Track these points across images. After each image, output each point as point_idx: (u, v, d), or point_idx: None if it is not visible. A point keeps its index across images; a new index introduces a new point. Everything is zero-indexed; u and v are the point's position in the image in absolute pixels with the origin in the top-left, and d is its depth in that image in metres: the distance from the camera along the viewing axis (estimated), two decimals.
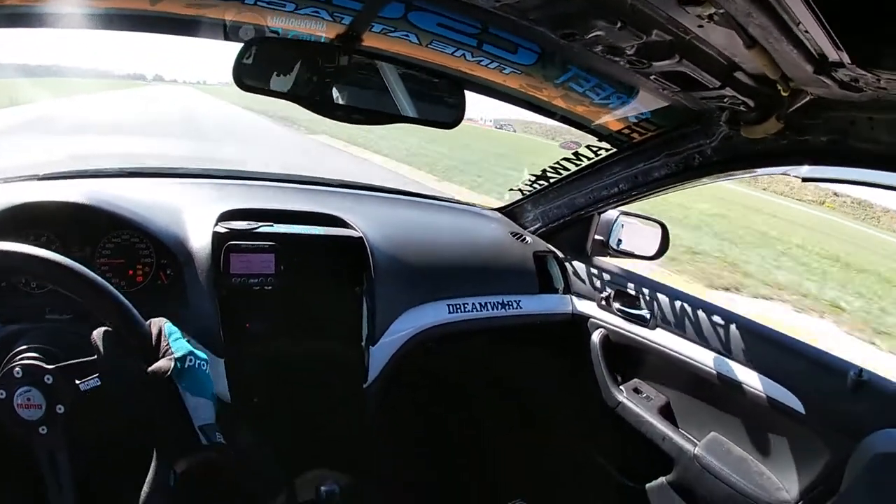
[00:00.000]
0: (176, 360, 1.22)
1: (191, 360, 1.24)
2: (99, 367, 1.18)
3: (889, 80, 1.22)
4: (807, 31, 1.09)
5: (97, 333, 1.20)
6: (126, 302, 1.24)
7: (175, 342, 1.26)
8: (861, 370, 1.75)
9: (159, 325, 1.30)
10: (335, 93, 1.51)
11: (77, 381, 1.16)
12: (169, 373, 1.20)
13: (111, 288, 1.22)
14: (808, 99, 1.56)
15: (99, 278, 1.22)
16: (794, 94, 1.54)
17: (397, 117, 1.59)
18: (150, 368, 1.21)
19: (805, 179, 1.89)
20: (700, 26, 1.22)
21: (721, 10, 1.08)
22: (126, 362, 1.21)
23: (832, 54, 1.18)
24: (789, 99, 1.55)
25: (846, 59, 1.16)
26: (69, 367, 1.18)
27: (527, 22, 1.38)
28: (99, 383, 1.17)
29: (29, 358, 1.20)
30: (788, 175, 1.91)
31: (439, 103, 1.68)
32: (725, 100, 1.67)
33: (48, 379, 1.15)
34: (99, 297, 1.21)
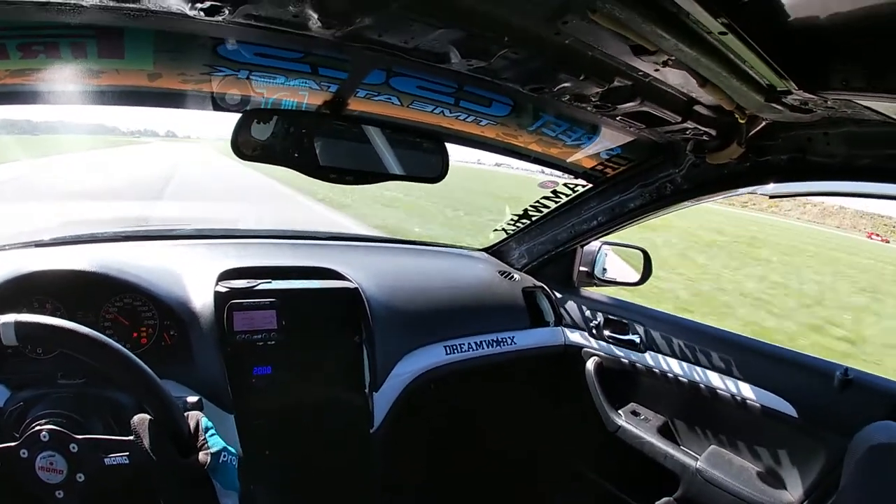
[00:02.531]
0: (212, 454, 1.26)
1: (225, 456, 1.28)
2: (129, 446, 1.20)
3: (836, 100, 1.32)
4: (752, 67, 1.19)
5: (139, 420, 1.23)
6: (170, 395, 1.27)
7: (211, 437, 1.30)
8: (846, 369, 1.83)
9: (196, 418, 1.34)
10: (327, 157, 1.57)
11: (102, 455, 1.18)
12: (206, 467, 1.24)
13: (157, 380, 1.25)
14: (764, 123, 1.67)
15: (147, 369, 1.24)
16: (751, 121, 1.63)
17: (386, 175, 1.65)
18: (188, 461, 1.24)
19: (772, 196, 1.99)
20: (656, 70, 1.33)
21: (672, 57, 1.18)
22: (157, 448, 1.23)
23: (779, 84, 1.28)
24: (747, 125, 1.65)
25: (793, 86, 1.26)
26: (97, 440, 1.20)
27: (498, 80, 1.47)
28: (127, 462, 1.19)
29: (54, 423, 1.22)
30: (756, 193, 2.01)
31: (423, 159, 1.75)
32: (688, 132, 1.78)
33: (73, 447, 1.17)
34: (147, 387, 1.24)
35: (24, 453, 1.16)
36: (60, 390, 1.41)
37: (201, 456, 1.26)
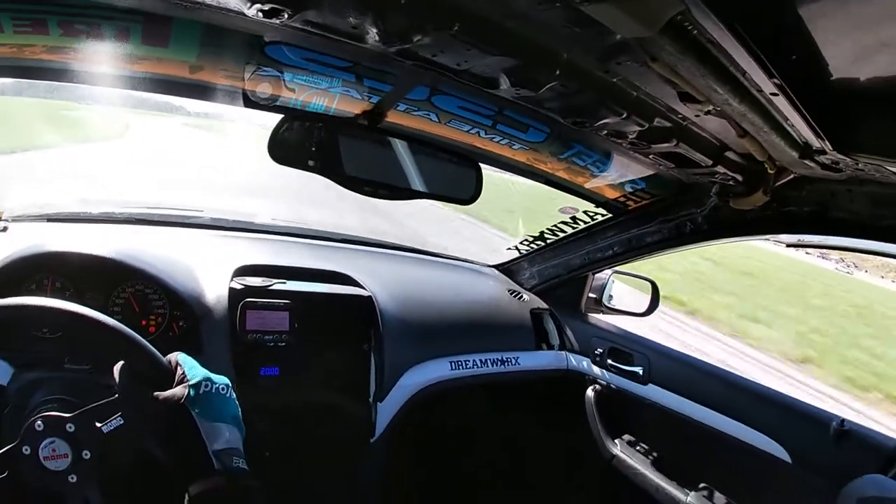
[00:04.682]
0: (191, 386, 1.24)
1: (206, 386, 1.26)
2: (120, 406, 1.19)
3: (866, 163, 1.34)
4: (793, 126, 1.21)
5: (116, 368, 1.21)
6: (141, 339, 1.27)
7: (190, 370, 1.28)
8: (843, 420, 1.86)
9: (175, 358, 1.33)
10: (361, 168, 1.57)
11: (98, 424, 1.17)
12: (183, 400, 1.22)
13: (125, 327, 1.26)
14: (792, 176, 1.68)
15: (112, 320, 1.25)
16: (779, 171, 1.65)
17: (419, 193, 1.66)
18: (162, 395, 1.23)
19: (790, 245, 2.01)
20: (697, 116, 1.35)
21: (718, 108, 1.19)
22: (147, 397, 1.23)
23: (815, 143, 1.30)
24: (775, 175, 1.67)
25: (828, 146, 1.28)
26: (88, 411, 1.18)
27: (541, 110, 1.49)
28: (122, 422, 1.18)
29: (49, 409, 1.21)
30: (771, 241, 2.03)
31: (457, 179, 1.76)
32: (716, 175, 1.79)
33: (70, 427, 1.16)
34: (113, 337, 1.25)
35: (26, 450, 1.14)
36: (64, 374, 1.41)
37: (178, 389, 1.25)
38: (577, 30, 1.01)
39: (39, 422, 1.15)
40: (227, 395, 1.31)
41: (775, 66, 0.96)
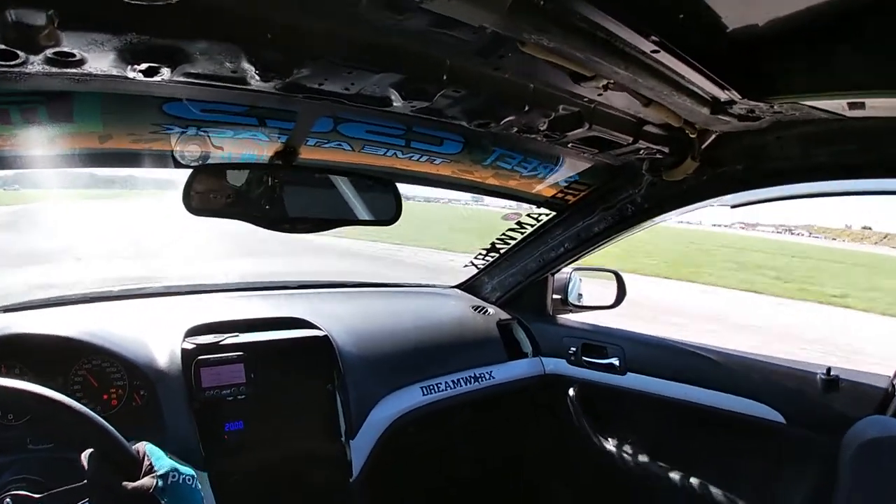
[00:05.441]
0: (158, 476, 1.22)
1: (174, 476, 1.24)
2: (87, 491, 1.17)
3: (782, 104, 1.35)
4: (692, 82, 1.20)
5: (85, 454, 1.20)
6: (109, 426, 1.23)
7: (157, 460, 1.26)
8: (829, 369, 1.85)
9: (143, 448, 1.30)
10: (279, 207, 1.57)
11: None
12: (152, 490, 1.19)
13: (93, 414, 1.22)
14: (715, 136, 1.69)
15: (81, 406, 1.21)
16: (701, 134, 1.66)
17: (341, 221, 1.67)
18: (131, 486, 1.20)
19: (734, 206, 2.00)
20: (599, 95, 1.34)
21: (612, 81, 1.18)
22: (115, 485, 1.20)
23: (722, 95, 1.30)
24: (698, 139, 1.67)
25: (736, 96, 1.29)
26: (59, 493, 1.17)
27: (444, 119, 1.47)
28: None
29: (17, 489, 1.20)
30: (713, 206, 2.02)
31: (377, 203, 1.75)
32: (641, 151, 1.78)
33: None
34: (82, 423, 1.21)
35: None
36: (28, 455, 1.41)
37: (146, 479, 1.21)
38: (444, 32, 1.00)
39: (9, 499, 1.15)
40: (193, 485, 1.30)
41: (654, 25, 0.96)
